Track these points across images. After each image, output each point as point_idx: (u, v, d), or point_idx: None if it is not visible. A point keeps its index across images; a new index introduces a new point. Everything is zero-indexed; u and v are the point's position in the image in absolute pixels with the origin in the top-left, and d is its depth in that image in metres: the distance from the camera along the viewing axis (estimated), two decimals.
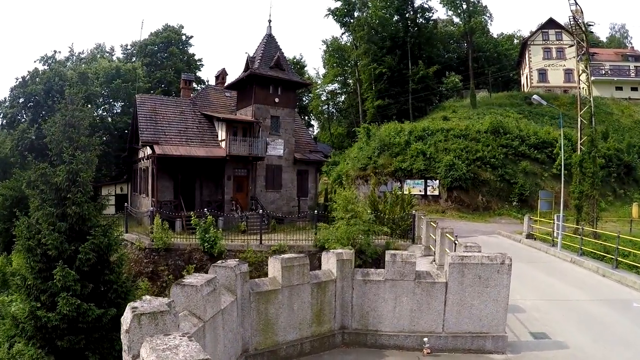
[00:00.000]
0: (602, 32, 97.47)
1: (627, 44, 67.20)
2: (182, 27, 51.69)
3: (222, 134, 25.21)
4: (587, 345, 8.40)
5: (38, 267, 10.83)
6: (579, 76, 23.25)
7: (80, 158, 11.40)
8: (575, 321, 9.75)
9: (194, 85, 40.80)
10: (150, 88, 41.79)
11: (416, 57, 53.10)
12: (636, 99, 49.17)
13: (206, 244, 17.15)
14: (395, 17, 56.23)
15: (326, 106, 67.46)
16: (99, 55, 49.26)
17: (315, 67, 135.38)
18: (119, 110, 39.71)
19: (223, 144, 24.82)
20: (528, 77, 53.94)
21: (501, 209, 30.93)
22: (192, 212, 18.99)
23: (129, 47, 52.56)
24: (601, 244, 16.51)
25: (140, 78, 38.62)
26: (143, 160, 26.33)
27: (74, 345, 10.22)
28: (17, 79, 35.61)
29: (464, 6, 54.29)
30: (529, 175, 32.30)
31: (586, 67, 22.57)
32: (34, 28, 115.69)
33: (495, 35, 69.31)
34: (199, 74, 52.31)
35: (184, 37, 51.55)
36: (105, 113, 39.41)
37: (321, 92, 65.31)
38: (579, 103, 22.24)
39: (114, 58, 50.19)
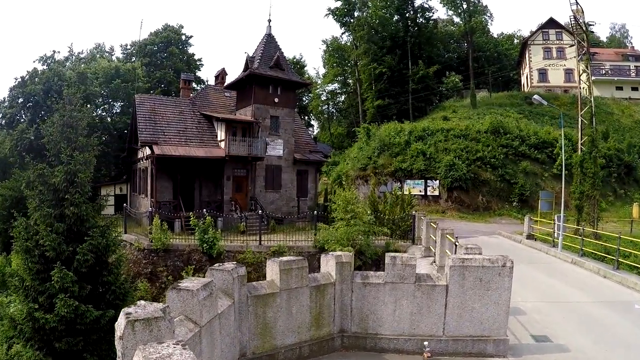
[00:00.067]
0: (602, 32, 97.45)
1: (628, 44, 67.14)
2: (182, 27, 51.65)
3: (221, 134, 25.14)
4: (588, 347, 8.33)
5: (36, 269, 10.78)
6: (580, 76, 23.19)
7: (78, 159, 11.35)
8: (576, 323, 9.69)
9: (194, 85, 40.74)
10: (149, 88, 41.72)
11: (416, 57, 53.03)
12: (636, 98, 49.10)
13: (205, 244, 17.07)
14: (396, 17, 56.16)
15: (326, 106, 67.41)
16: (98, 55, 49.15)
17: (315, 67, 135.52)
18: (118, 110, 39.64)
19: (222, 144, 24.74)
20: (528, 77, 53.87)
21: (501, 209, 30.86)
22: (191, 213, 18.92)
23: (128, 47, 52.49)
24: (602, 244, 16.44)
25: (139, 78, 38.55)
26: (142, 161, 26.25)
27: (72, 347, 10.17)
28: (16, 79, 35.63)
29: (464, 6, 54.23)
30: (529, 175, 32.23)
31: (587, 67, 22.50)
32: (33, 28, 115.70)
33: (495, 35, 69.33)
34: (198, 73, 52.28)
35: (183, 37, 51.48)
36: (104, 113, 39.33)
37: (321, 92, 65.25)
38: (579, 103, 22.17)
39: (114, 58, 50.10)
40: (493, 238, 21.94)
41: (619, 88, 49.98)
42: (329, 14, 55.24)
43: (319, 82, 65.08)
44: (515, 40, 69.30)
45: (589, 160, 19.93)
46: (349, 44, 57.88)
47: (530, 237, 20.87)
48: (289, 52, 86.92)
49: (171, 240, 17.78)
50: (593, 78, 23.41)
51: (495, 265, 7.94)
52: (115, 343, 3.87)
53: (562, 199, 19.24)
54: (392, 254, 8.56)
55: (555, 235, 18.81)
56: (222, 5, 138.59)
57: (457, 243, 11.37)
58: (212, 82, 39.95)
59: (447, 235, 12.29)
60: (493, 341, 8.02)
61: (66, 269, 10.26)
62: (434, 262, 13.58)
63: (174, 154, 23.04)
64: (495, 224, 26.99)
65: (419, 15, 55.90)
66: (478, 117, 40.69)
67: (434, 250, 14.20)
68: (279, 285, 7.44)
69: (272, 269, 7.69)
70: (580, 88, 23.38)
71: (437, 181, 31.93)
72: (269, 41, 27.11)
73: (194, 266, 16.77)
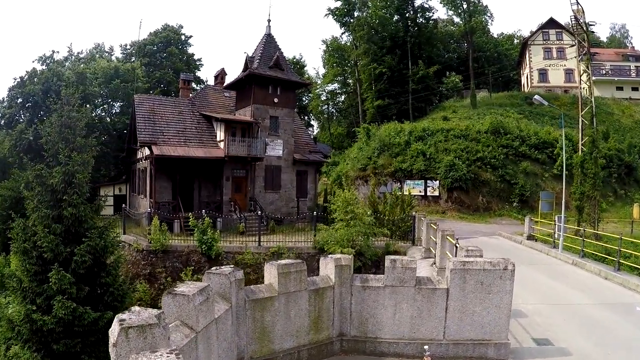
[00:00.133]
0: (602, 32, 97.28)
1: (628, 44, 67.14)
2: (182, 27, 51.68)
3: (220, 134, 25.05)
4: (589, 350, 8.26)
5: (34, 270, 10.72)
6: (580, 76, 23.12)
7: (76, 159, 11.28)
8: (577, 326, 9.62)
9: (193, 85, 40.70)
10: (149, 88, 41.66)
11: (416, 57, 52.97)
12: (637, 99, 49.07)
13: (204, 245, 16.99)
14: (395, 17, 56.12)
15: (326, 106, 67.36)
16: (97, 55, 49.07)
17: (315, 67, 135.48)
18: (117, 111, 39.56)
19: (222, 145, 24.65)
20: (528, 77, 53.81)
21: (502, 210, 30.80)
22: (190, 213, 18.82)
23: (128, 47, 52.45)
24: (603, 245, 16.37)
25: (139, 78, 38.47)
26: (141, 161, 26.16)
27: (70, 349, 10.11)
28: (15, 79, 35.47)
29: (464, 6, 54.16)
30: (529, 175, 32.16)
31: (587, 67, 22.42)
32: (33, 28, 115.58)
33: (495, 35, 69.31)
34: (198, 73, 52.27)
35: (183, 37, 51.44)
36: (104, 113, 39.27)
37: (321, 92, 65.19)
38: (580, 103, 22.11)
39: (113, 58, 50.03)
40: (493, 239, 21.87)
41: (620, 88, 49.97)
42: (329, 14, 55.27)
43: (319, 82, 65.01)
44: (516, 40, 69.26)
45: (590, 161, 19.86)
46: (348, 44, 57.84)
47: (530, 238, 20.79)
48: (289, 52, 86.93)
49: (170, 241, 17.68)
50: (593, 78, 23.34)
51: (496, 268, 7.85)
52: (109, 350, 3.80)
53: (563, 200, 19.18)
54: (392, 256, 8.47)
55: (556, 236, 18.74)
56: (222, 5, 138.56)
57: (457, 245, 11.28)
58: (211, 82, 39.84)
59: (448, 237, 12.20)
60: (494, 345, 7.94)
61: (64, 270, 10.20)
62: (434, 263, 13.49)
63: (173, 154, 22.96)
64: (495, 225, 26.92)
65: (419, 15, 55.87)
66: (478, 117, 40.64)
67: (434, 252, 14.11)
68: (277, 288, 7.35)
69: (270, 273, 7.60)
70: (580, 88, 23.34)
71: (437, 181, 31.86)
72: (269, 41, 27.03)
73: (192, 267, 16.67)
